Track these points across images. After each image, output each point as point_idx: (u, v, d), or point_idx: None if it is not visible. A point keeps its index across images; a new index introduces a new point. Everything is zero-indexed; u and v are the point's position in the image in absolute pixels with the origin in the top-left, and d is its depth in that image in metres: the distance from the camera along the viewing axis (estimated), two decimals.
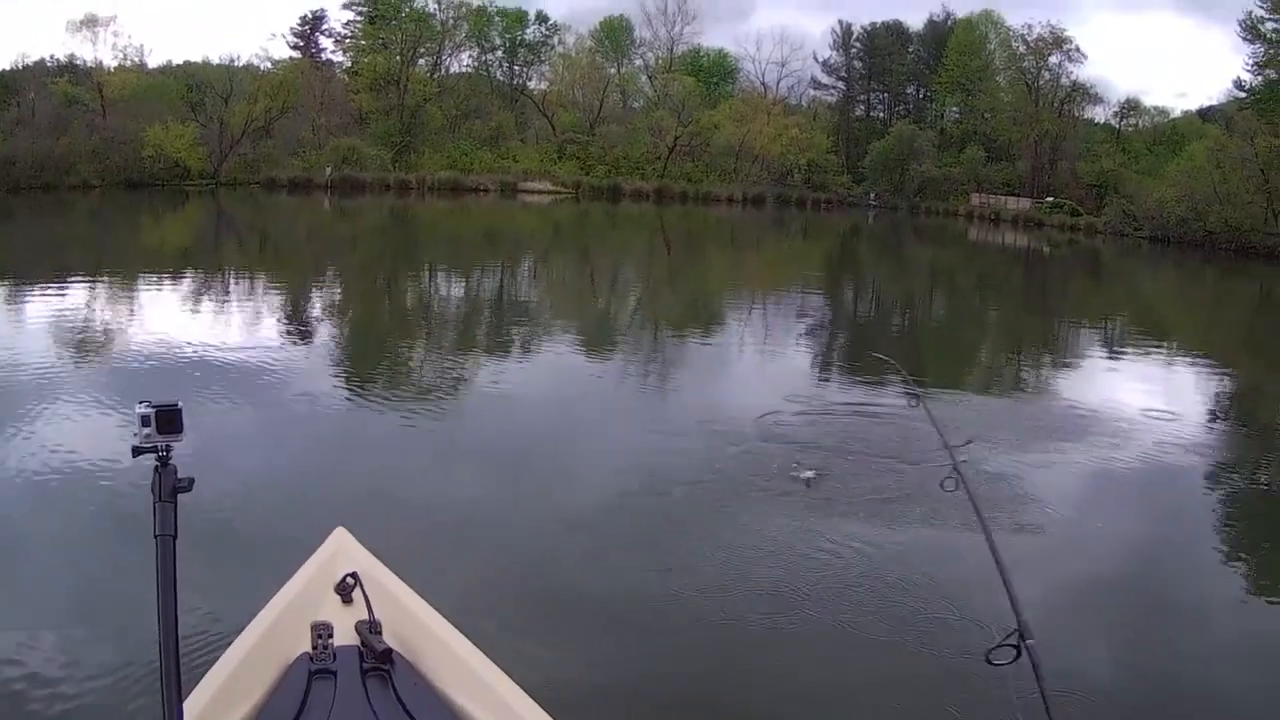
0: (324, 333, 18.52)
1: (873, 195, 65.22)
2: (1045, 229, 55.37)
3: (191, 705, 3.11)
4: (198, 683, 3.35)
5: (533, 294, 28.30)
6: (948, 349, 20.81)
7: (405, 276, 29.40)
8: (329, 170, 56.13)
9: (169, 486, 2.78)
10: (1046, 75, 66.38)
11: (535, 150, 67.81)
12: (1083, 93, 66.74)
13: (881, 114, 75.14)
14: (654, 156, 66.55)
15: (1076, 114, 67.21)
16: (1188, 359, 20.06)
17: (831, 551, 7.58)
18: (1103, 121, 70.41)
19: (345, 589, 4.02)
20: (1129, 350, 20.79)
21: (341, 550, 4.38)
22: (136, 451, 2.85)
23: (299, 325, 18.74)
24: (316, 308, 21.85)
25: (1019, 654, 3.46)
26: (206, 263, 28.11)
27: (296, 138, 58.68)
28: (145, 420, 2.81)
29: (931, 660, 6.00)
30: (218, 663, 3.51)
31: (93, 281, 22.25)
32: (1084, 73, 66.52)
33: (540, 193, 61.82)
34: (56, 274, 22.20)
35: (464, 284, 28.50)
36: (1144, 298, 33.93)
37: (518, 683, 3.59)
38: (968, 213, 61.51)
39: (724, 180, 65.58)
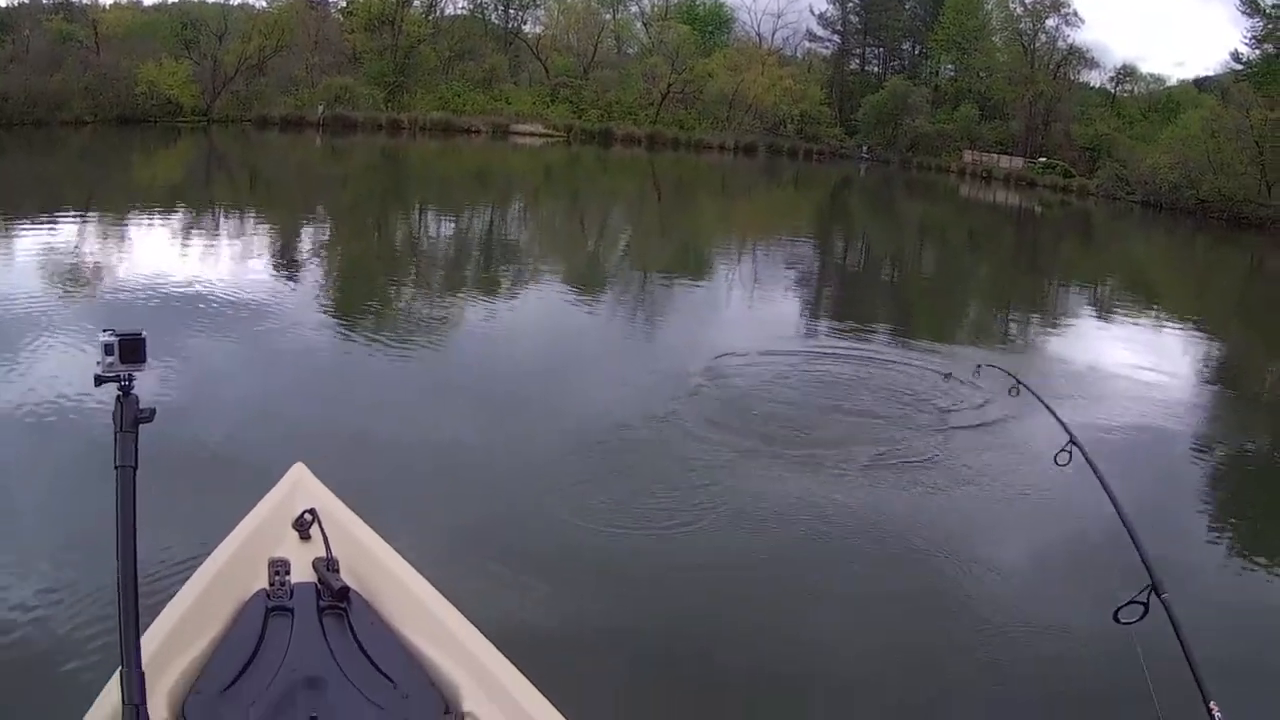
0: (310, 269, 18.49)
1: (865, 148, 65.05)
2: (1037, 189, 55.37)
3: (148, 641, 3.05)
4: (154, 618, 3.31)
5: (522, 236, 28.21)
6: (936, 304, 20.83)
7: (395, 215, 29.32)
8: (321, 109, 55.71)
9: (130, 416, 2.74)
10: (1043, 38, 66.11)
11: (528, 93, 67.31)
12: (1079, 56, 66.51)
13: (876, 69, 74.75)
14: (647, 103, 66.04)
15: (1072, 77, 66.98)
16: (1178, 325, 19.98)
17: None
18: (1098, 86, 70.24)
19: (303, 525, 4.00)
20: (1120, 313, 20.81)
21: (300, 486, 4.35)
22: (99, 380, 2.79)
23: (286, 262, 18.72)
24: (304, 245, 21.84)
25: (1147, 610, 3.46)
26: (197, 199, 27.91)
27: (290, 76, 58.22)
28: (108, 349, 2.77)
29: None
30: (174, 598, 3.47)
31: (82, 217, 22.09)
32: (1081, 37, 66.51)
33: (532, 135, 61.40)
34: (46, 210, 21.99)
35: (454, 224, 28.46)
36: (1137, 262, 33.93)
37: (473, 622, 3.56)
38: (960, 169, 61.39)
39: (716, 128, 65.20)
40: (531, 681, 3.28)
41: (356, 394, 10.22)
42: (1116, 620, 3.42)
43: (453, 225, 28.03)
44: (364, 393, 10.24)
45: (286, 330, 12.66)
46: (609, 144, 61.50)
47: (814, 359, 12.23)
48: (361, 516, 4.17)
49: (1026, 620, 5.91)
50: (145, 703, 2.53)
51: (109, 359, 2.76)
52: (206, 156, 43.30)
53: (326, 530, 3.89)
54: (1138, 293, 25.00)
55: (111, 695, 2.77)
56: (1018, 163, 60.28)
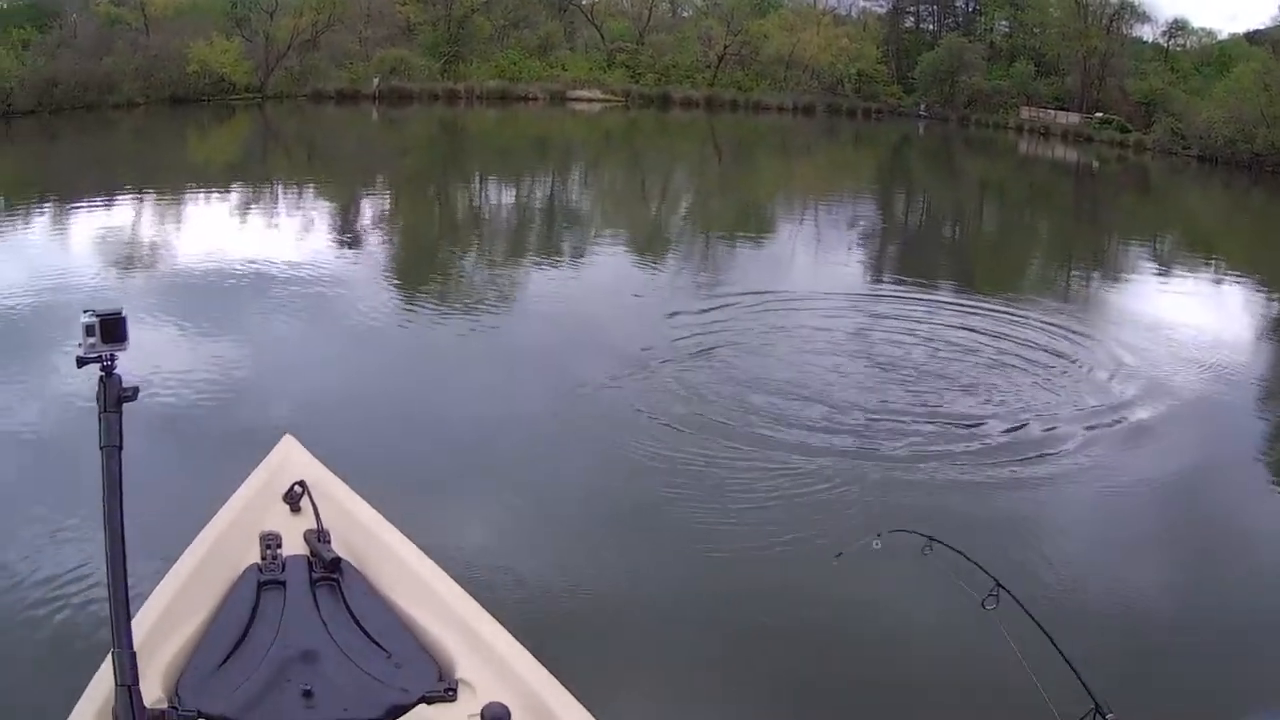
0: (373, 242, 19.03)
1: (923, 106, 65.15)
2: (1094, 144, 55.47)
3: (141, 621, 3.11)
4: (147, 598, 3.36)
5: (585, 200, 29.10)
6: (996, 260, 21.56)
7: (457, 184, 30.01)
8: (376, 81, 55.90)
9: (114, 396, 2.74)
10: None
11: (584, 59, 67.53)
12: (1131, 10, 66.15)
13: (931, 26, 74.65)
14: (703, 65, 66.34)
15: (1125, 32, 66.63)
16: (1240, 280, 20.62)
17: None
18: (1151, 40, 69.81)
19: (293, 498, 4.04)
20: (1182, 268, 21.44)
21: (289, 458, 4.38)
22: (81, 362, 2.77)
23: (347, 235, 19.28)
24: (366, 217, 22.49)
25: None
26: (254, 175, 28.51)
27: (343, 50, 58.21)
28: (89, 329, 2.74)
29: None
30: (166, 576, 3.51)
31: (138, 197, 22.48)
32: None
33: (590, 101, 61.84)
34: (102, 191, 22.42)
35: (515, 191, 29.17)
36: (1197, 216, 34.31)
37: (466, 589, 3.65)
38: (1017, 126, 61.44)
39: (774, 89, 65.31)
40: (525, 646, 3.36)
41: (418, 367, 11.02)
42: None
43: (514, 192, 28.80)
44: (426, 365, 11.09)
45: (353, 304, 13.26)
46: (667, 107, 61.89)
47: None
48: (351, 485, 4.26)
49: None
50: (138, 683, 2.56)
51: (90, 340, 2.74)
52: (262, 132, 43.89)
53: (317, 501, 3.96)
54: (1197, 248, 25.56)
55: (105, 677, 2.77)
56: (1074, 118, 60.30)
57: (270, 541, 3.69)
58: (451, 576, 3.71)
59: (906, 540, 4.90)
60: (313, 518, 3.89)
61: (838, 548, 5.29)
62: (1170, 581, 7.14)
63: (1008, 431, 9.51)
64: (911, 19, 75.52)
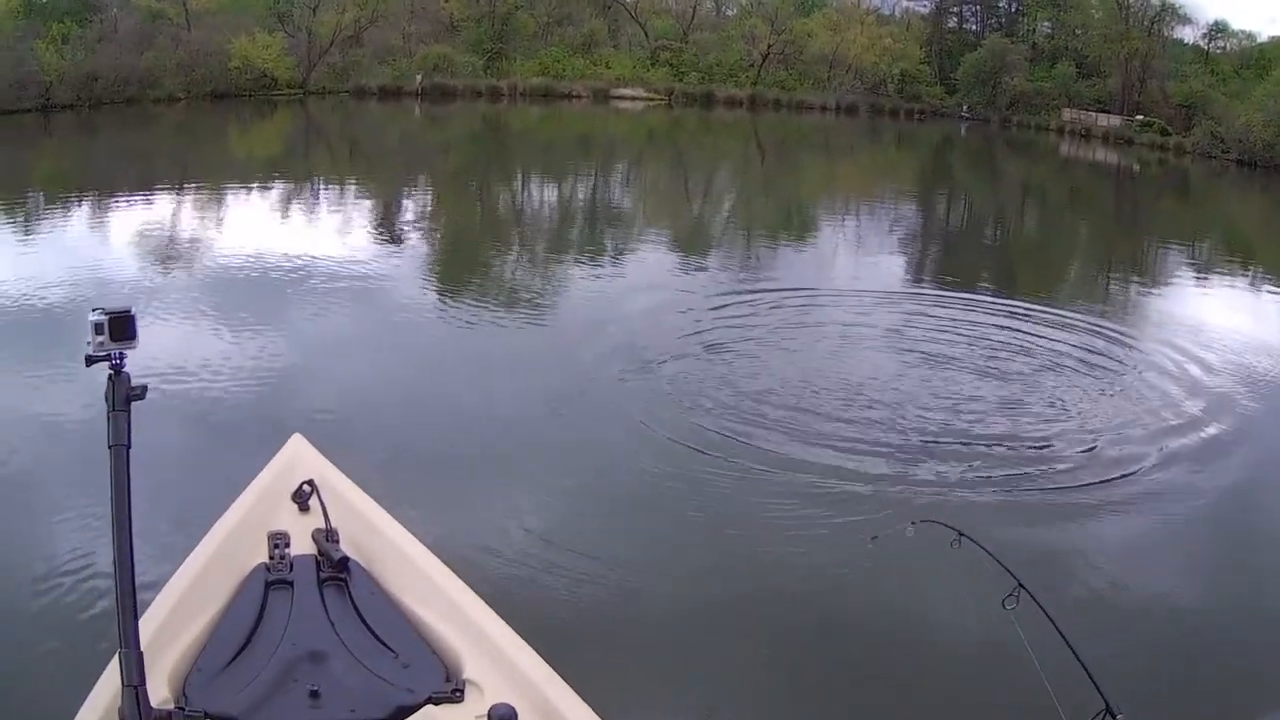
0: (412, 240, 19.27)
1: (965, 107, 65.42)
2: (1135, 146, 55.69)
3: (148, 620, 3.12)
4: (155, 596, 3.38)
5: (627, 198, 29.37)
6: (1039, 262, 22.06)
7: (499, 181, 30.34)
8: (419, 78, 56.24)
9: (122, 395, 2.73)
10: None
11: (628, 57, 68.14)
12: (1172, 12, 66.33)
13: (974, 27, 74.92)
14: (747, 64, 66.98)
15: (1166, 34, 66.74)
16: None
17: None
18: (1191, 43, 69.88)
19: (302, 497, 4.05)
20: (1219, 273, 21.82)
21: (298, 457, 4.39)
22: (90, 360, 2.78)
23: (387, 232, 19.56)
24: (406, 214, 22.78)
25: None
26: (295, 171, 28.72)
27: (386, 46, 58.66)
28: (98, 328, 2.74)
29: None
30: (174, 575, 3.53)
31: (179, 191, 22.75)
32: None
33: (633, 99, 62.45)
34: (139, 186, 22.65)
35: (557, 188, 29.53)
36: (1239, 221, 34.37)
37: (475, 589, 3.67)
38: (1059, 127, 61.68)
39: (818, 89, 65.91)
40: (533, 647, 3.37)
41: (461, 364, 11.21)
42: None
43: (556, 190, 29.23)
44: (468, 362, 11.25)
45: (390, 301, 13.55)
46: (711, 106, 62.42)
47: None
48: (360, 485, 4.28)
49: None
50: (145, 683, 2.57)
51: (99, 338, 2.74)
52: (304, 128, 44.19)
53: (325, 501, 3.98)
54: (1237, 253, 25.83)
55: (112, 677, 2.77)
56: (1115, 121, 60.50)
57: (278, 541, 3.72)
58: (459, 576, 3.73)
59: (938, 533, 5.12)
60: (321, 517, 3.91)
61: (873, 532, 5.75)
62: (1200, 594, 7.25)
63: (1049, 438, 9.78)
64: (955, 19, 75.70)
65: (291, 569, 3.62)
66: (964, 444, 9.45)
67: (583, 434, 9.32)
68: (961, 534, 5.40)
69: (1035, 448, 9.54)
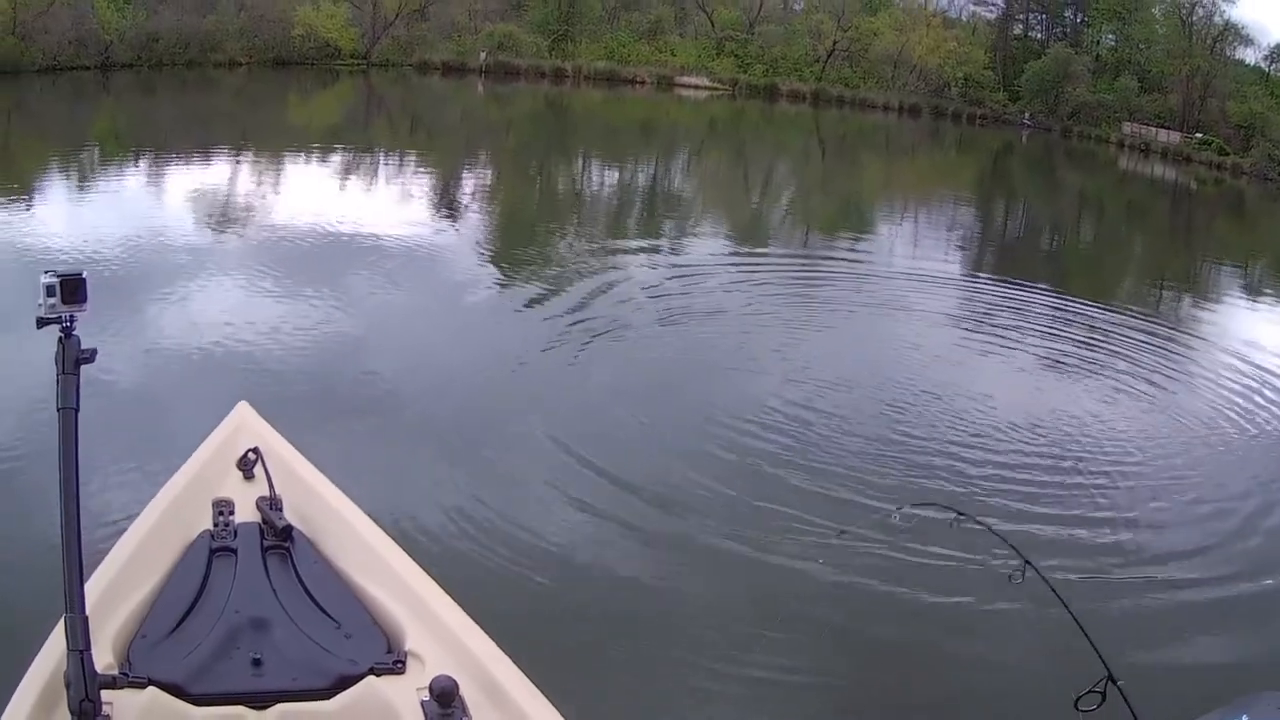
0: (466, 216, 19.56)
1: (1027, 115, 65.64)
2: (1193, 164, 56.00)
3: (93, 586, 3.09)
4: (100, 562, 3.34)
5: (686, 186, 29.81)
6: (1094, 271, 22.61)
7: (558, 163, 30.65)
8: (483, 55, 56.29)
9: (73, 358, 2.72)
10: (1200, 12, 66.11)
11: (693, 45, 68.44)
12: (1235, 33, 66.43)
13: (1039, 35, 75.07)
14: (812, 59, 67.50)
15: (1228, 53, 66.84)
16: None
17: None
18: (1253, 64, 69.87)
19: (247, 464, 4.03)
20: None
21: (244, 425, 4.36)
22: (41, 322, 2.76)
23: (443, 207, 19.89)
24: (462, 190, 23.05)
25: (1104, 698, 3.68)
26: (354, 141, 28.76)
27: (451, 22, 58.58)
28: (50, 290, 2.72)
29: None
30: (119, 541, 3.50)
31: (237, 156, 22.89)
32: (1237, 14, 66.25)
33: (697, 88, 62.83)
34: (195, 148, 22.78)
35: (618, 173, 29.96)
36: None
37: (415, 559, 3.68)
38: (1119, 141, 61.94)
39: (881, 88, 66.40)
40: (473, 618, 3.37)
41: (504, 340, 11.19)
42: (1077, 709, 3.66)
43: (616, 174, 29.64)
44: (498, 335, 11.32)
45: (438, 275, 13.76)
46: (774, 99, 62.76)
47: None
48: (305, 454, 4.25)
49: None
50: (90, 648, 2.56)
51: (50, 300, 2.72)
52: (365, 99, 44.30)
53: (270, 469, 3.93)
54: None
55: (57, 642, 2.74)
56: (1174, 137, 60.75)
57: (223, 508, 3.70)
58: (403, 548, 3.73)
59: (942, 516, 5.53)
60: (265, 485, 3.88)
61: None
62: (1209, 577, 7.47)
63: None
64: (1021, 26, 75.79)
65: (235, 536, 3.61)
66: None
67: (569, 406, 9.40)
68: (960, 514, 5.66)
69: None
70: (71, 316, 2.76)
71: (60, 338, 2.74)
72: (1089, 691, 3.68)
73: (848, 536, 6.72)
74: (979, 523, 5.23)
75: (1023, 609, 5.98)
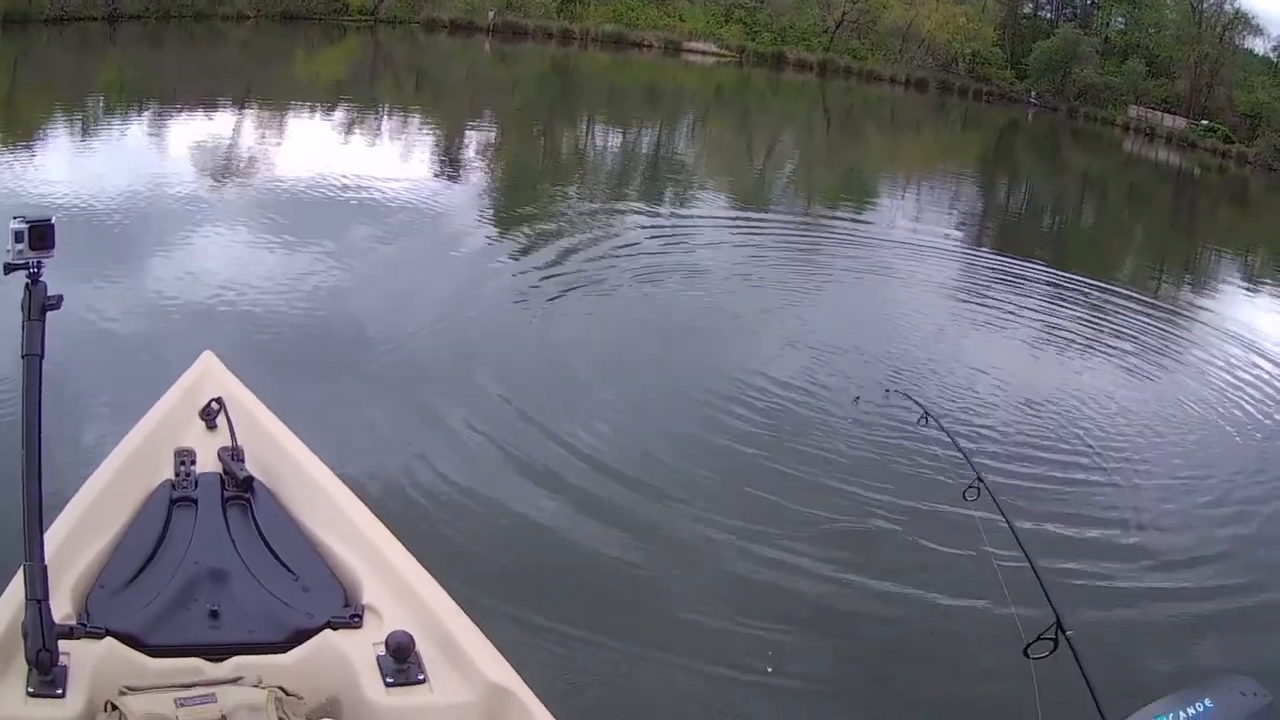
0: (467, 173, 19.37)
1: (1033, 94, 65.45)
2: (1197, 151, 55.94)
3: (53, 535, 3.06)
4: (60, 510, 3.29)
5: (689, 151, 29.58)
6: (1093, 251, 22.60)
7: (561, 124, 30.34)
8: (491, 14, 55.48)
9: (39, 304, 2.71)
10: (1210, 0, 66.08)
11: (702, 11, 67.79)
12: (1244, 22, 66.32)
13: (1049, 14, 74.81)
14: (820, 30, 67.13)
15: (1237, 42, 66.75)
16: None
17: None
18: (1261, 54, 69.74)
19: (210, 414, 4.00)
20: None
21: (208, 374, 4.32)
22: (8, 268, 2.75)
23: (444, 164, 19.74)
24: (465, 148, 22.92)
25: (1056, 646, 3.73)
26: (360, 96, 28.57)
27: None
28: (18, 236, 2.71)
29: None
30: (80, 490, 3.46)
31: (241, 109, 22.81)
32: (1248, 3, 66.15)
33: (704, 54, 62.41)
34: (201, 99, 22.40)
35: (621, 136, 29.75)
36: None
37: (376, 514, 3.64)
38: (1124, 124, 61.84)
39: (889, 61, 66.16)
40: (431, 573, 3.34)
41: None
42: (1026, 656, 3.69)
43: (619, 137, 29.47)
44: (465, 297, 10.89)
45: (435, 230, 13.72)
46: (781, 68, 62.38)
47: None
48: (269, 405, 4.18)
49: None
50: (48, 598, 2.56)
51: (18, 246, 2.71)
52: (372, 55, 43.62)
53: (233, 419, 3.92)
54: None
55: (15, 591, 2.75)
56: (1180, 123, 60.65)
57: (184, 458, 3.69)
58: (363, 501, 3.71)
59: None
60: (228, 435, 3.87)
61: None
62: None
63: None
64: (1030, 5, 75.51)
65: (196, 487, 3.58)
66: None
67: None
68: (927, 413, 6.26)
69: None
70: (39, 263, 2.73)
71: (27, 284, 2.71)
72: (1039, 638, 3.71)
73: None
74: (940, 427, 5.91)
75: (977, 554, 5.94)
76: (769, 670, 5.33)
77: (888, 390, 8.86)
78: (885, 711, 5.41)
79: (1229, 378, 12.27)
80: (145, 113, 20.77)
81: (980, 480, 4.82)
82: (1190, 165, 50.82)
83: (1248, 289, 21.17)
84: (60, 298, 2.73)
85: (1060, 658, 3.80)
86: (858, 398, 8.87)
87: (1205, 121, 60.52)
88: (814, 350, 10.43)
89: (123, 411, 5.11)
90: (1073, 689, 3.74)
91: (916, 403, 7.22)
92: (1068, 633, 3.72)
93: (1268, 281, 22.48)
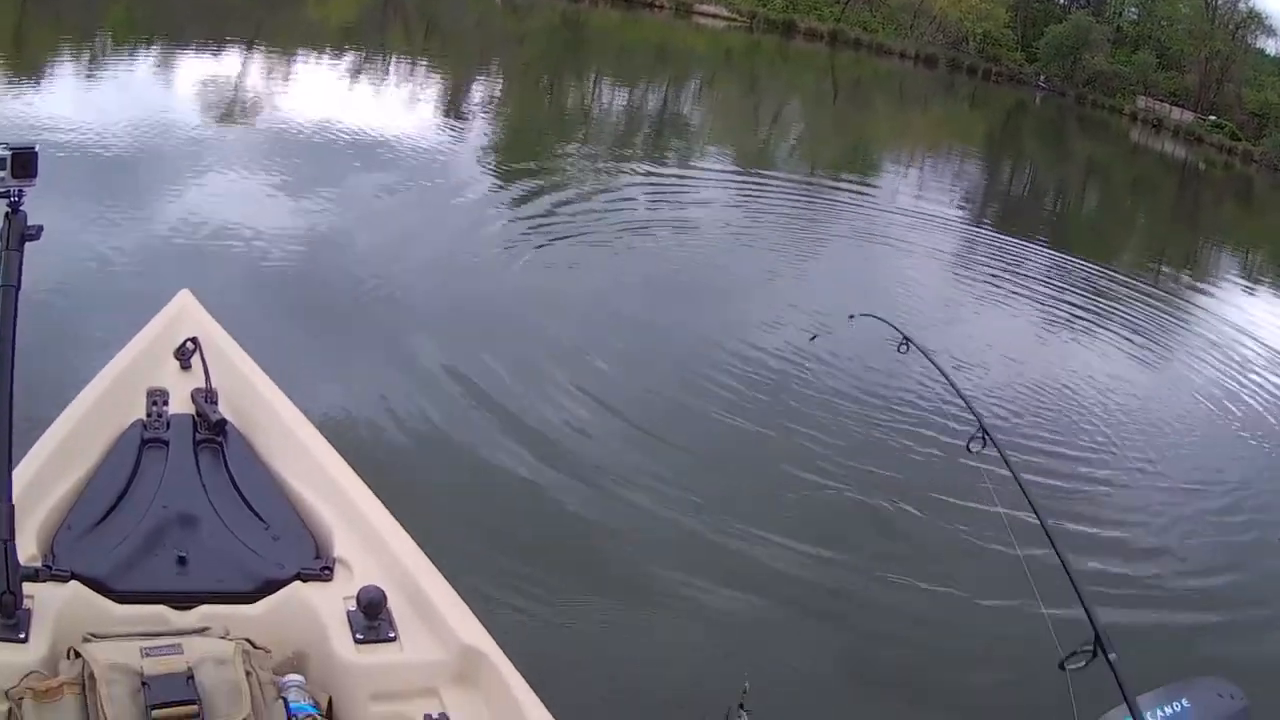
0: (474, 123, 19.07)
1: (1043, 78, 65.22)
2: (1203, 145, 55.81)
3: (21, 472, 2.99)
4: (30, 448, 3.21)
5: (694, 114, 29.34)
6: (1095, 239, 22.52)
7: (568, 79, 30.16)
8: None
9: (18, 234, 2.65)
10: None
11: None
12: (1257, 21, 66.24)
13: (1062, 0, 74.54)
14: (832, 0, 66.80)
15: (1249, 41, 66.71)
16: None
17: None
18: (1273, 54, 69.66)
19: (184, 354, 3.88)
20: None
21: (185, 313, 4.21)
22: None
23: (448, 113, 19.46)
24: (470, 99, 22.51)
25: (1094, 657, 3.50)
26: (368, 43, 28.00)
27: None
28: (0, 162, 2.65)
29: None
30: (50, 428, 3.36)
31: (247, 50, 22.24)
32: (1262, 3, 66.08)
33: (715, 17, 61.81)
34: (209, 39, 21.95)
35: (627, 94, 29.33)
36: None
37: (348, 461, 3.56)
38: (1132, 114, 61.72)
39: (899, 35, 65.73)
40: (404, 527, 3.27)
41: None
42: (1062, 669, 3.50)
43: (625, 95, 29.07)
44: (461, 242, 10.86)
45: (433, 178, 13.40)
46: (791, 35, 61.95)
47: None
48: (245, 347, 4.08)
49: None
50: (14, 538, 2.51)
51: (0, 173, 2.65)
52: (384, 1, 42.29)
53: (208, 360, 3.80)
54: None
55: None
56: (1188, 116, 60.54)
57: (157, 398, 3.58)
58: (338, 450, 3.60)
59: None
60: (202, 376, 3.75)
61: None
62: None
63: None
64: None
65: (168, 428, 3.48)
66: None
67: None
68: (908, 339, 6.15)
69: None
70: (20, 191, 2.65)
71: (7, 213, 2.63)
72: (1075, 653, 3.52)
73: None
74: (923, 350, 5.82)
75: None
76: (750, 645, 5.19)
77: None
78: (894, 699, 5.27)
79: (1220, 360, 12.48)
80: (151, 51, 20.21)
81: (984, 430, 4.70)
82: (1196, 159, 50.70)
83: (1246, 285, 21.12)
84: (40, 228, 2.65)
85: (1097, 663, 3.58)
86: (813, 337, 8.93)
87: (1213, 117, 60.44)
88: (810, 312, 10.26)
89: (97, 347, 4.96)
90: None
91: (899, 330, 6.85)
92: (1110, 655, 3.47)
93: (1267, 280, 22.42)
